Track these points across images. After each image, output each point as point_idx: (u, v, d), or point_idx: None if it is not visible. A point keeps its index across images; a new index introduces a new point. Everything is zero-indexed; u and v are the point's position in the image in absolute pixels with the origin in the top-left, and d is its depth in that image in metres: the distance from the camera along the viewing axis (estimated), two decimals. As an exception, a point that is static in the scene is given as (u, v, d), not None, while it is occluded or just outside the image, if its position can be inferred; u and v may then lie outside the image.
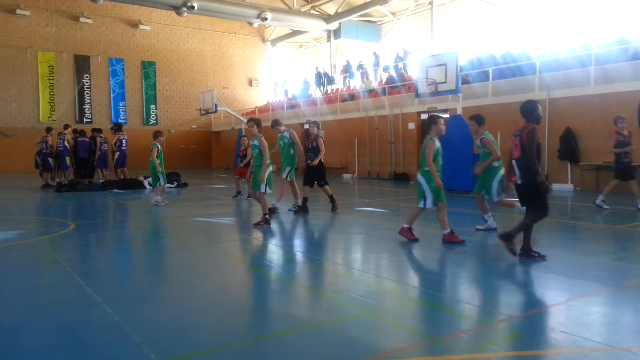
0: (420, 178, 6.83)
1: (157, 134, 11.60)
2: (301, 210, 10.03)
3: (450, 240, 6.64)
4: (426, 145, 6.65)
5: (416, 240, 6.79)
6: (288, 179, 10.25)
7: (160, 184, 11.53)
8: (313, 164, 10.20)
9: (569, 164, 14.42)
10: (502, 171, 7.19)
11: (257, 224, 8.17)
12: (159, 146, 11.46)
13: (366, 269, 5.68)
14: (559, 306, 4.11)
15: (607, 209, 9.69)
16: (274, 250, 6.78)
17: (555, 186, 14.49)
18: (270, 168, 8.54)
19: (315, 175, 10.30)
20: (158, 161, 11.35)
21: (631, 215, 9.28)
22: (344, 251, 6.79)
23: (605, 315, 3.93)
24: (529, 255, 5.53)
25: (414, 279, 5.38)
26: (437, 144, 6.67)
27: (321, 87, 27.74)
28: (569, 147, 14.28)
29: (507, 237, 5.61)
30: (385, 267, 5.85)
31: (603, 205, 9.81)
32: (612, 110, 13.47)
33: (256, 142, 8.47)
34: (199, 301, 4.42)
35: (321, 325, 3.74)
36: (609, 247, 6.43)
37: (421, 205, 6.79)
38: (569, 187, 14.22)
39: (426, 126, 7.00)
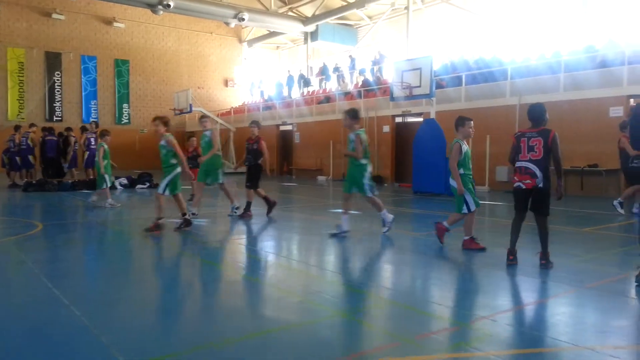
0: (453, 183, 6.38)
1: (103, 133, 11.28)
2: (244, 214, 9.52)
3: (470, 247, 6.35)
4: (453, 148, 6.35)
5: (483, 249, 6.29)
6: (216, 182, 9.77)
7: (106, 185, 11.08)
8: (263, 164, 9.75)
9: (538, 168, 14.74)
10: (370, 168, 7.47)
11: (178, 228, 7.88)
12: (105, 146, 11.09)
13: (339, 271, 5.70)
14: (527, 307, 4.20)
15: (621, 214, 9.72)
16: (247, 252, 6.75)
17: (526, 190, 14.80)
18: (178, 170, 8.34)
19: (250, 177, 9.73)
20: (105, 162, 10.94)
21: (598, 218, 9.55)
22: (317, 253, 6.80)
23: (571, 315, 4.03)
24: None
25: (386, 280, 5.42)
26: (465, 147, 6.40)
27: (301, 89, 27.79)
28: (539, 152, 14.60)
29: (545, 257, 5.39)
30: (357, 269, 5.88)
31: (619, 207, 9.80)
32: (580, 115, 13.87)
33: (163, 143, 8.14)
34: (169, 303, 4.37)
35: (294, 327, 3.74)
36: (575, 249, 6.60)
37: (465, 211, 6.33)
38: (538, 190, 14.53)
39: (454, 127, 6.66)
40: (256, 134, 9.83)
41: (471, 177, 6.48)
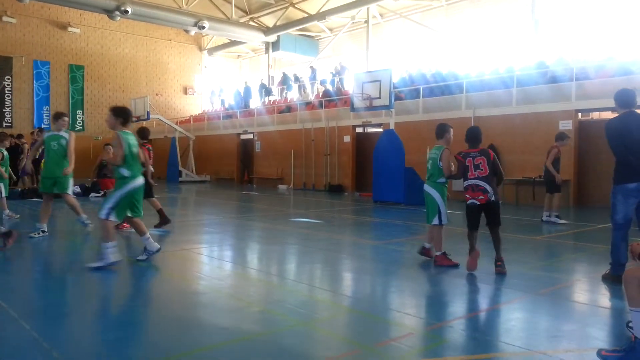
0: (431, 190, 6.24)
1: (1, 138, 10.37)
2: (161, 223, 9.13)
3: (442, 263, 6.05)
4: (442, 155, 6.19)
5: (456, 265, 6.00)
6: (64, 192, 8.29)
7: (1, 196, 10.02)
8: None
9: (492, 179, 15.21)
10: (138, 181, 6.13)
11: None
12: (4, 152, 10.28)
13: (300, 280, 5.69)
14: (482, 313, 4.32)
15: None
16: (207, 262, 6.65)
17: (481, 200, 15.22)
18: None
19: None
20: (3, 169, 10.13)
21: (549, 227, 9.92)
22: (278, 262, 6.77)
23: (525, 321, 4.17)
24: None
25: (346, 288, 5.45)
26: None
27: (262, 98, 27.72)
28: (493, 163, 15.09)
29: (501, 261, 5.69)
30: (318, 278, 5.89)
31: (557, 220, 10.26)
32: (531, 128, 14.44)
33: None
34: (123, 314, 4.25)
35: (254, 337, 3.71)
36: (528, 257, 6.83)
37: (436, 223, 6.17)
38: (493, 200, 14.98)
39: (437, 135, 6.53)
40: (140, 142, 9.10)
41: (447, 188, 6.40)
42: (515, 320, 4.14)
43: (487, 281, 5.39)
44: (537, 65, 16.05)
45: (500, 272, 5.60)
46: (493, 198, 5.68)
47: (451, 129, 6.54)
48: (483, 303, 4.68)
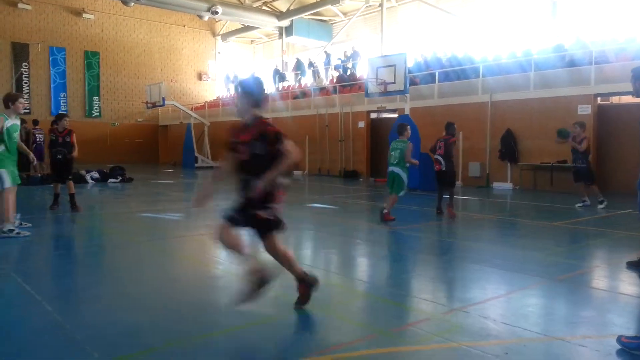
0: (401, 172, 8.26)
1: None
2: (55, 205, 9.45)
3: (387, 219, 8.13)
4: (407, 148, 8.27)
5: (394, 219, 8.10)
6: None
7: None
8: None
9: (508, 164, 15.06)
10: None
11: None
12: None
13: (315, 265, 5.72)
14: (499, 299, 4.30)
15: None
16: (222, 247, 6.69)
17: (496, 184, 15.11)
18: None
19: (63, 170, 9.38)
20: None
21: (567, 213, 9.81)
22: (293, 247, 6.80)
23: (542, 307, 4.14)
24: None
25: (362, 274, 5.47)
26: None
27: (276, 84, 27.61)
28: (509, 148, 14.92)
29: (445, 208, 8.86)
30: (334, 263, 5.91)
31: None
32: (549, 113, 14.21)
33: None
34: (145, 298, 4.32)
35: (270, 321, 3.75)
36: (545, 243, 6.77)
37: (402, 194, 8.38)
38: (508, 185, 14.86)
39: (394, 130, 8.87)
40: (66, 126, 9.41)
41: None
42: (532, 306, 4.12)
43: (504, 267, 5.36)
44: (555, 48, 15.73)
45: (438, 215, 8.92)
46: (444, 168, 8.95)
47: (409, 127, 8.76)
48: (500, 289, 4.65)
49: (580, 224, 8.56)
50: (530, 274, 5.04)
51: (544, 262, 5.60)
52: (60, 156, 9.30)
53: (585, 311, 4.03)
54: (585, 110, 13.52)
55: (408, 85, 14.14)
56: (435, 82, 17.28)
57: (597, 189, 10.32)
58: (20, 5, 27.21)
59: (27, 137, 16.54)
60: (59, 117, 9.60)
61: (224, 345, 3.28)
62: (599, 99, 13.92)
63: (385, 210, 8.17)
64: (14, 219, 6.81)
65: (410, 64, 17.36)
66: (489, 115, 15.51)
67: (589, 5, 18.89)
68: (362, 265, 5.85)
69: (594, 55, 13.72)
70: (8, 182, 6.59)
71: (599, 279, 5.14)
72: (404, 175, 8.24)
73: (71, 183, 9.44)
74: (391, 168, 8.38)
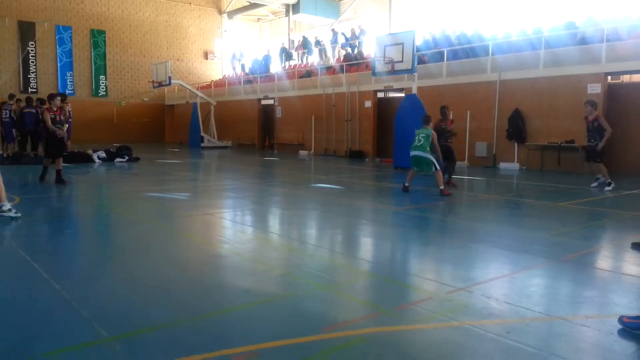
0: (428, 155, 9.12)
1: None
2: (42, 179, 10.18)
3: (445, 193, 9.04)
4: (433, 136, 9.32)
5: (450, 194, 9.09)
6: None
7: None
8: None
9: (516, 144, 14.95)
10: None
11: None
12: None
13: (321, 244, 5.76)
14: (503, 278, 4.32)
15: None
16: (229, 226, 6.76)
17: (502, 165, 15.03)
18: None
19: (59, 147, 10.14)
20: None
21: (573, 193, 9.77)
22: (299, 227, 6.84)
23: (546, 287, 4.16)
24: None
25: (366, 253, 5.50)
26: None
27: (282, 63, 27.39)
28: (517, 128, 14.79)
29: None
30: (339, 242, 5.95)
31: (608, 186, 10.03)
32: (559, 92, 14.03)
33: None
34: (151, 276, 4.37)
35: (276, 299, 3.79)
36: (550, 223, 6.76)
37: (438, 169, 9.20)
38: (515, 165, 14.78)
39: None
40: (58, 105, 10.11)
41: None
42: (535, 286, 4.14)
43: (508, 247, 5.37)
44: (566, 25, 15.44)
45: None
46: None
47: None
48: (504, 269, 4.67)
49: (586, 204, 8.53)
50: (534, 254, 5.05)
51: (548, 242, 5.60)
52: (59, 134, 9.88)
53: (588, 291, 4.04)
54: (595, 89, 13.33)
55: (416, 64, 13.97)
56: (443, 61, 17.07)
57: (605, 171, 10.22)
58: (25, -17, 27.05)
59: (37, 116, 16.55)
60: (52, 97, 10.15)
61: (229, 323, 3.32)
62: (609, 77, 13.71)
63: (442, 187, 9.11)
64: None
65: (418, 42, 17.13)
66: (497, 94, 15.35)
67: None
68: (367, 245, 5.88)
69: (606, 33, 13.46)
70: None
71: (603, 260, 5.14)
72: (432, 156, 9.18)
73: (61, 160, 10.20)
74: (415, 152, 9.23)
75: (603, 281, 4.40)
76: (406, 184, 9.46)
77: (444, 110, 10.59)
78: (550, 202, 8.65)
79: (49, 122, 9.72)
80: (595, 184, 10.31)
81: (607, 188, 9.93)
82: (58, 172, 10.09)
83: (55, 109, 9.90)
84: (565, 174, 13.14)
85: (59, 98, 10.24)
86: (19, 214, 6.62)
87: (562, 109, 13.98)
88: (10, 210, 6.62)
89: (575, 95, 13.64)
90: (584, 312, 3.56)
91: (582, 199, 8.98)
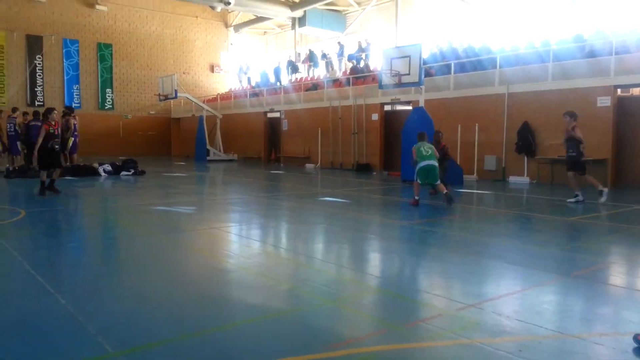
0: (436, 164, 9.60)
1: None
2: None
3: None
4: (435, 149, 9.89)
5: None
6: None
7: None
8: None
9: (525, 157, 14.86)
10: None
11: None
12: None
13: (328, 259, 5.69)
14: (514, 295, 4.23)
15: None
16: (235, 240, 6.71)
17: (512, 178, 14.92)
18: None
19: (56, 160, 10.65)
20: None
21: (583, 207, 9.66)
22: (306, 241, 6.79)
23: (558, 304, 4.07)
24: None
25: (374, 268, 5.43)
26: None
27: (289, 75, 27.48)
28: (526, 141, 14.70)
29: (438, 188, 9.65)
30: (346, 257, 5.88)
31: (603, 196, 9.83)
32: (568, 105, 13.94)
33: None
34: (156, 291, 4.33)
35: (282, 314, 3.73)
36: (561, 238, 6.67)
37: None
38: (525, 179, 14.67)
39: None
40: (55, 119, 10.55)
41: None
42: (547, 302, 4.05)
43: (518, 263, 5.28)
44: (574, 38, 15.42)
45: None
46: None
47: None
48: (515, 285, 4.58)
49: (597, 219, 8.42)
50: (545, 270, 4.96)
51: (559, 257, 5.51)
52: (57, 147, 10.38)
53: (601, 308, 3.95)
54: (604, 102, 13.25)
55: (423, 76, 13.97)
56: (451, 74, 17.07)
57: (593, 180, 9.98)
58: (35, -2, 27.45)
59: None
60: (49, 111, 10.58)
61: (236, 338, 3.27)
62: (619, 90, 13.64)
63: (446, 190, 9.53)
64: None
65: (425, 54, 17.15)
66: (505, 107, 15.29)
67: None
68: (374, 260, 5.81)
69: (615, 46, 13.41)
70: None
71: (616, 276, 5.04)
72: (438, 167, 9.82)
73: (59, 171, 10.79)
74: (429, 162, 9.56)
75: (616, 298, 4.30)
76: (416, 198, 9.48)
77: (437, 135, 11.50)
78: (560, 216, 8.55)
79: (41, 136, 10.09)
80: (572, 200, 9.93)
81: (601, 199, 9.66)
82: (53, 180, 10.44)
83: (53, 123, 10.12)
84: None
85: (55, 112, 10.64)
86: None
87: (570, 122, 13.88)
88: None
89: (585, 108, 13.54)
90: (598, 329, 3.47)
91: (593, 214, 8.86)
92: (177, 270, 5.08)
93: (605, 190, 9.82)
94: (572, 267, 5.10)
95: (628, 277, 4.97)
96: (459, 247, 6.03)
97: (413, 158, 9.76)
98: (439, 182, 9.59)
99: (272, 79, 27.47)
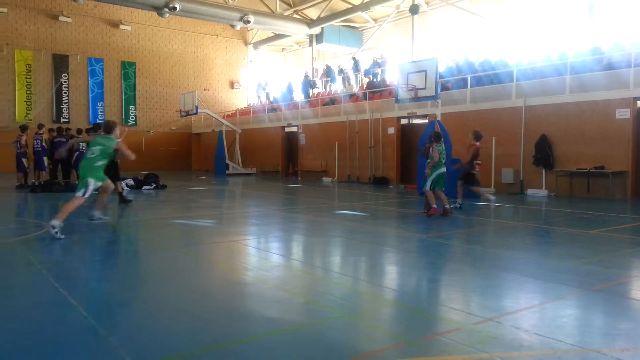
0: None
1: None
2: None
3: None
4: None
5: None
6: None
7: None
8: None
9: (543, 170, 14.70)
10: None
11: None
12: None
13: (345, 272, 5.71)
14: (533, 309, 4.19)
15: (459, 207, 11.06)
16: (253, 253, 6.77)
17: (530, 191, 14.76)
18: None
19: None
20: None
21: (605, 220, 9.51)
22: (323, 254, 6.81)
23: (577, 318, 4.02)
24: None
25: (391, 281, 5.43)
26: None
27: (310, 91, 27.60)
28: (544, 154, 14.57)
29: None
30: (363, 270, 5.89)
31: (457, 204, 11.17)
32: (586, 118, 13.82)
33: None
34: (176, 304, 4.39)
35: (299, 328, 3.75)
36: (581, 251, 6.58)
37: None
38: (543, 192, 14.50)
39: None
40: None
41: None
42: (567, 316, 4.01)
43: (537, 276, 5.23)
44: (592, 51, 15.31)
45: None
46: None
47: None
48: (533, 298, 4.54)
49: (617, 232, 8.28)
50: (565, 284, 4.90)
51: (579, 271, 5.44)
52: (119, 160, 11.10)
53: (623, 323, 3.89)
54: (624, 114, 13.11)
55: (439, 90, 14.00)
56: (467, 87, 17.06)
57: (479, 190, 11.74)
58: (61, 18, 28.32)
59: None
60: (113, 125, 10.83)
61: (254, 351, 3.30)
62: (638, 102, 13.47)
63: (450, 206, 9.89)
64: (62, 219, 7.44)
65: (441, 68, 17.19)
66: (523, 120, 15.21)
67: (627, 6, 18.32)
68: (392, 273, 5.81)
69: (633, 57, 13.28)
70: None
71: (638, 290, 4.95)
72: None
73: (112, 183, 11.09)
74: (443, 168, 9.93)
75: (638, 312, 4.23)
76: (434, 206, 9.70)
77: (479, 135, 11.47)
78: (580, 229, 8.43)
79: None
80: (453, 206, 10.84)
81: (491, 197, 11.38)
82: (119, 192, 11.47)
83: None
84: (595, 200, 12.82)
85: (118, 126, 11.25)
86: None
87: (590, 135, 13.75)
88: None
89: (603, 121, 13.43)
90: (619, 344, 3.42)
91: (612, 227, 8.72)
92: (197, 283, 5.15)
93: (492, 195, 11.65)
94: (593, 281, 5.03)
95: (651, 292, 4.88)
96: (477, 260, 6.00)
97: (433, 160, 9.80)
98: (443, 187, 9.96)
99: (296, 93, 27.57)
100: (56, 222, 7.20)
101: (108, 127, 8.31)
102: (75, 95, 29.30)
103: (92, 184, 7.68)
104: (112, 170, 10.65)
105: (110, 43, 30.35)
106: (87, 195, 7.66)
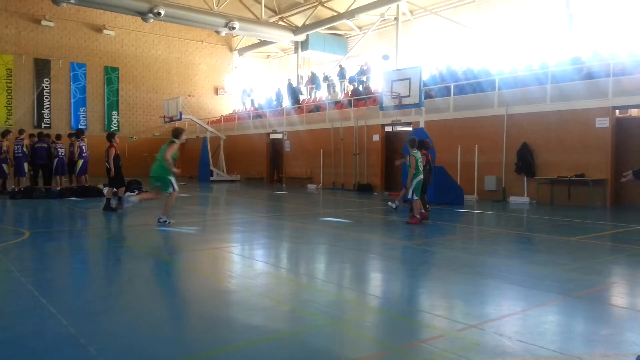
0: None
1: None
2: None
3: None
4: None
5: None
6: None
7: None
8: None
9: (525, 178, 14.90)
10: None
11: None
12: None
13: (329, 279, 5.70)
14: (515, 315, 4.23)
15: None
16: (237, 261, 6.73)
17: (512, 198, 14.94)
18: None
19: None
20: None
21: (585, 227, 9.66)
22: (308, 261, 6.80)
23: (559, 324, 4.07)
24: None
25: (376, 289, 5.43)
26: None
27: (294, 98, 27.58)
28: (526, 162, 14.77)
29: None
30: (347, 278, 5.89)
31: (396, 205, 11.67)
32: (567, 126, 14.06)
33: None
34: (158, 312, 4.34)
35: (284, 336, 3.73)
36: (562, 258, 6.66)
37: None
38: (525, 199, 14.68)
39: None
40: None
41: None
42: (549, 323, 4.05)
43: (520, 283, 5.28)
44: (572, 61, 15.61)
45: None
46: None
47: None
48: (516, 305, 4.58)
49: (598, 239, 8.41)
50: (547, 290, 4.96)
51: (561, 278, 5.51)
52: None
53: (603, 329, 3.95)
54: (603, 123, 13.36)
55: (423, 98, 14.13)
56: (450, 95, 17.24)
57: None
58: (43, 22, 27.95)
59: (49, 151, 16.87)
60: (113, 135, 12.39)
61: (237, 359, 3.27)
62: (617, 111, 13.75)
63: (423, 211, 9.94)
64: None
65: (425, 77, 17.36)
66: (505, 128, 15.41)
67: (606, 17, 18.73)
68: (376, 280, 5.81)
69: (612, 67, 13.57)
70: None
71: (618, 296, 5.03)
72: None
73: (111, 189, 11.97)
74: (421, 175, 9.90)
75: (619, 318, 4.29)
76: (423, 211, 9.90)
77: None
78: (561, 236, 8.55)
79: (111, 157, 11.88)
80: (394, 205, 11.65)
81: (394, 204, 11.77)
82: (119, 197, 11.64)
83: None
84: (576, 208, 13.02)
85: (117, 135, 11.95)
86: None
87: (570, 143, 13.98)
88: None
89: (583, 130, 13.67)
90: (600, 350, 3.47)
91: (593, 234, 8.86)
92: (179, 291, 5.10)
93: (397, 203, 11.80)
94: (574, 288, 5.09)
95: (630, 298, 4.96)
96: (460, 268, 6.03)
97: (412, 170, 9.74)
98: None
99: (287, 100, 27.47)
100: (164, 217, 9.18)
101: (175, 134, 9.70)
102: (56, 101, 28.89)
103: (173, 179, 9.25)
104: (117, 176, 11.56)
105: (93, 48, 30.03)
106: (177, 188, 9.39)
